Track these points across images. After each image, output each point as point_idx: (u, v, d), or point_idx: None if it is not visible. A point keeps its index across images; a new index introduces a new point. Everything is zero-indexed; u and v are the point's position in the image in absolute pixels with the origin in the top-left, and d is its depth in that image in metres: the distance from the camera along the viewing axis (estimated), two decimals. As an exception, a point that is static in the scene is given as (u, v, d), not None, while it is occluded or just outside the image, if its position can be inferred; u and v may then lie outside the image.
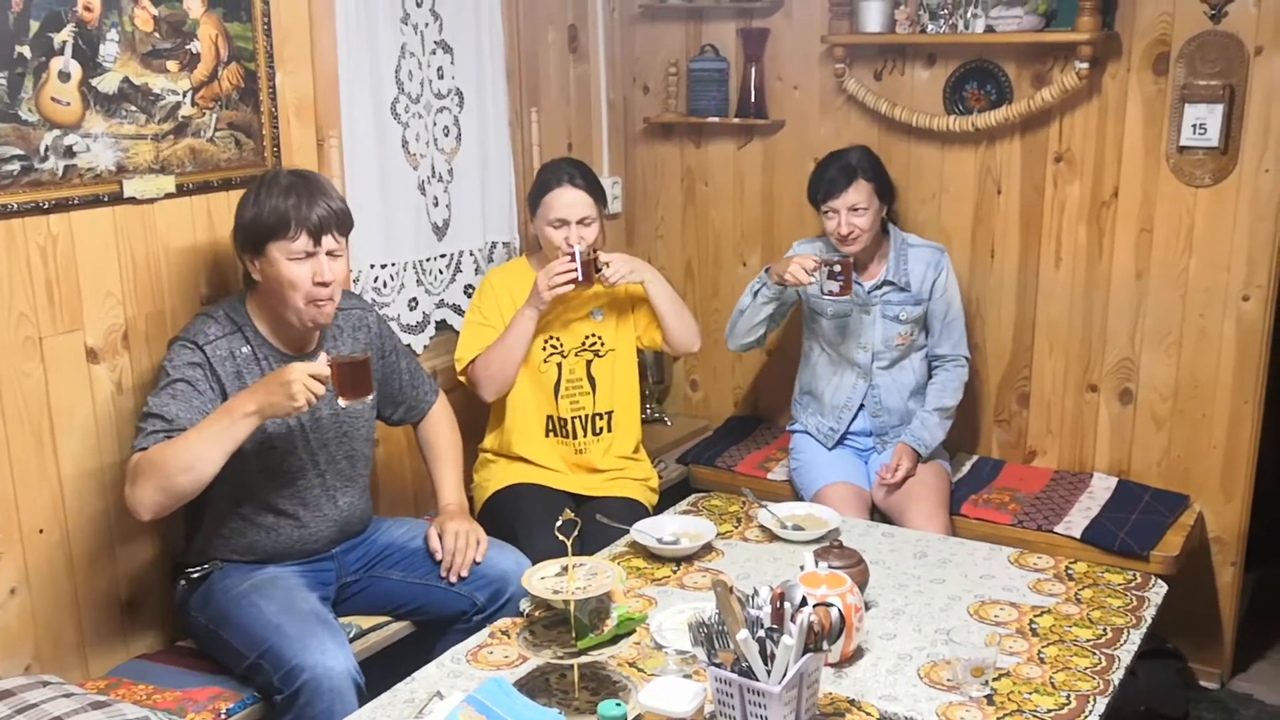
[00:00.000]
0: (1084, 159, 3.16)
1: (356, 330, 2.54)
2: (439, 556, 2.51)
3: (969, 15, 3.15)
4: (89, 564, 2.40)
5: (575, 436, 3.03)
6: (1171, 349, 3.12)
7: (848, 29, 3.34)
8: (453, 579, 2.49)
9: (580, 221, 2.92)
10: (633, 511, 2.88)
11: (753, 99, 3.57)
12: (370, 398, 2.29)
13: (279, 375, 2.13)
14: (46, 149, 2.21)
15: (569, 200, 2.92)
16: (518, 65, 3.38)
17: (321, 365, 2.15)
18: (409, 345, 3.14)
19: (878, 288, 3.09)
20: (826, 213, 3.03)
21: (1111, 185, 3.13)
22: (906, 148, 3.37)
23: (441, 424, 2.76)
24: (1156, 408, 3.18)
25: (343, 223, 2.33)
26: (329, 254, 2.30)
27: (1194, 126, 2.96)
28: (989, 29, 3.13)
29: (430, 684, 2.04)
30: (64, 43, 2.21)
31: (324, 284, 2.29)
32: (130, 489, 2.19)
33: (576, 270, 2.83)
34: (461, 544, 2.50)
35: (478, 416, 3.09)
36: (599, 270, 2.88)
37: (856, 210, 2.99)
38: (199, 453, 2.13)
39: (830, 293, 2.92)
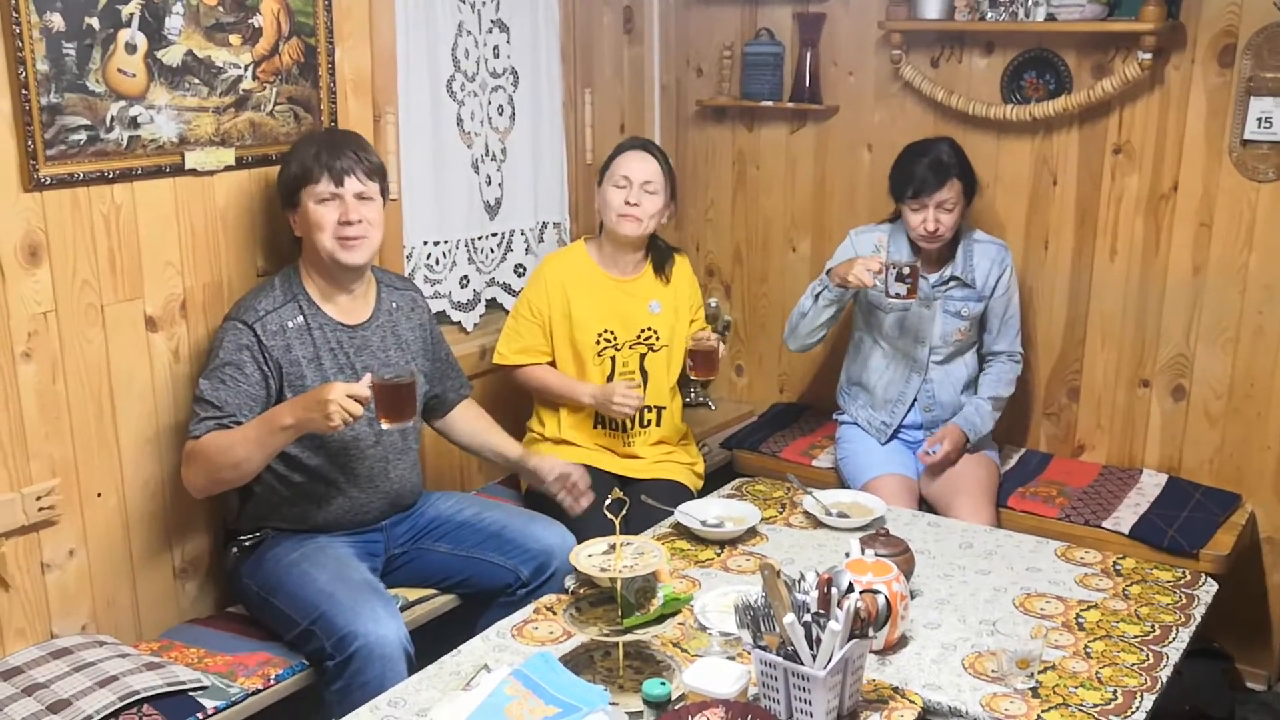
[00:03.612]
0: (1143, 151, 3.11)
1: (411, 311, 2.58)
2: (563, 492, 2.67)
3: (1030, 3, 3.11)
4: (144, 529, 2.44)
5: (624, 430, 3.03)
6: (1228, 346, 3.08)
7: (905, 15, 3.32)
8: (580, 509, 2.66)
9: (644, 185, 2.90)
10: (677, 494, 2.88)
11: (807, 84, 3.55)
12: (411, 422, 2.31)
13: (318, 394, 2.16)
14: (112, 119, 2.25)
15: (640, 163, 2.91)
16: (572, 46, 3.38)
17: (362, 387, 2.18)
18: (459, 323, 3.18)
19: (943, 283, 3.06)
20: (914, 209, 2.96)
21: (1171, 179, 3.09)
22: (962, 136, 3.30)
23: (474, 411, 2.77)
24: (1210, 405, 3.13)
25: (370, 169, 2.40)
26: (356, 196, 2.36)
27: (1259, 120, 2.90)
28: (1050, 17, 3.09)
29: (476, 657, 2.06)
30: (131, 15, 2.24)
31: (348, 222, 2.34)
32: (185, 471, 2.30)
33: (639, 403, 2.92)
34: (582, 482, 2.65)
35: (524, 395, 3.11)
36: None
37: (944, 207, 2.94)
38: (243, 454, 2.22)
39: (897, 295, 2.85)
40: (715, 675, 1.84)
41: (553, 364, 3.02)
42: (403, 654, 2.19)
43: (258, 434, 2.22)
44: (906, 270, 2.83)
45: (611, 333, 2.99)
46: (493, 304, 3.29)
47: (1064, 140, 3.22)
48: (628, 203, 2.88)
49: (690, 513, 2.61)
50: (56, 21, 2.12)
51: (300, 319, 2.38)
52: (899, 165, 3.03)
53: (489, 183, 3.20)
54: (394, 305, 2.54)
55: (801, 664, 1.77)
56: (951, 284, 3.07)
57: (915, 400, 3.14)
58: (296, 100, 2.59)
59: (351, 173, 2.36)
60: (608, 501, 1.97)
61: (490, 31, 3.12)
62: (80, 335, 2.27)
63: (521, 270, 3.32)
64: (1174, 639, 2.13)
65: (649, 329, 3.03)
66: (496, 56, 3.15)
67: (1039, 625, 2.13)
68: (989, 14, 3.19)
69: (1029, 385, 3.39)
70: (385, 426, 2.26)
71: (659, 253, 3.07)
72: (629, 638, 1.92)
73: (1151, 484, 3.15)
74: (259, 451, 2.23)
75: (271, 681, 2.22)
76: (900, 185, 3.00)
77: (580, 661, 2.02)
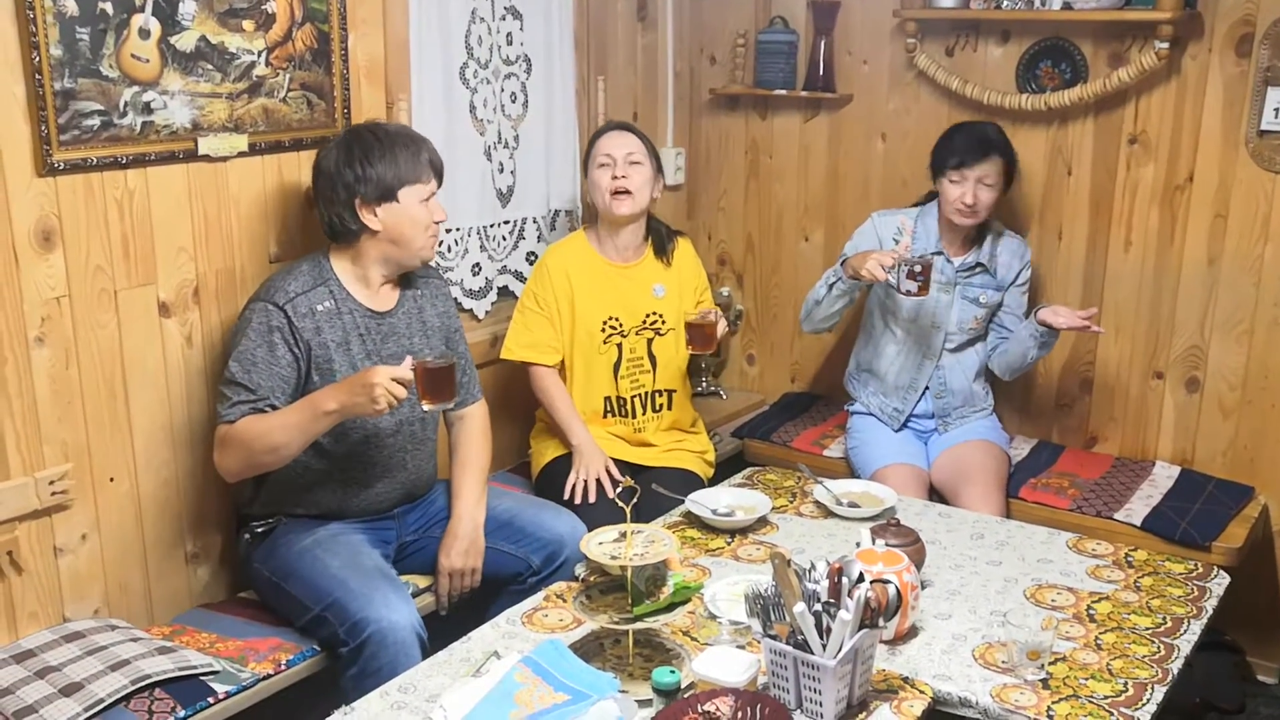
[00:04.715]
0: (1159, 141, 3.09)
1: (436, 298, 2.59)
2: (443, 600, 2.52)
3: (1046, -9, 3.10)
4: (156, 513, 2.45)
5: (634, 416, 3.03)
6: (1242, 338, 3.06)
7: (921, 3, 3.30)
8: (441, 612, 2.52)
9: (627, 158, 2.91)
10: (688, 482, 2.88)
11: (821, 72, 3.53)
12: (452, 403, 2.34)
13: (362, 377, 2.17)
14: (125, 105, 2.25)
15: (618, 139, 2.93)
16: (586, 33, 3.37)
17: (405, 370, 2.19)
18: (471, 310, 3.17)
19: (968, 269, 3.06)
20: (954, 180, 2.96)
21: (1187, 169, 3.07)
22: (976, 126, 3.31)
23: (475, 429, 2.67)
24: (1224, 397, 3.12)
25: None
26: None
27: (1276, 110, 2.88)
28: (1066, 6, 3.07)
29: (486, 644, 2.06)
30: (144, 0, 2.24)
31: (438, 221, 2.43)
32: (218, 456, 2.30)
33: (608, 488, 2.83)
34: (457, 586, 2.52)
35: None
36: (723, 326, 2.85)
37: (985, 182, 2.94)
38: (282, 439, 2.23)
39: (908, 292, 2.83)
40: (725, 664, 1.84)
41: (563, 364, 3.02)
42: (416, 639, 2.19)
43: (299, 419, 2.23)
44: (919, 268, 2.80)
45: (617, 319, 2.99)
46: (504, 292, 3.28)
47: (1079, 130, 3.20)
48: (615, 178, 2.89)
49: (701, 501, 2.61)
50: (70, 6, 2.12)
51: (330, 303, 2.39)
52: (943, 140, 3.03)
53: (501, 170, 3.19)
54: (419, 292, 2.55)
55: (811, 653, 1.78)
56: (976, 270, 3.06)
57: (927, 387, 3.13)
58: (309, 87, 2.59)
59: (442, 173, 2.46)
60: (619, 489, 1.98)
61: (503, 18, 3.11)
62: (93, 320, 2.27)
63: (533, 258, 3.31)
64: (1185, 631, 2.12)
65: (654, 313, 3.02)
66: (509, 43, 3.14)
67: (1050, 616, 2.12)
68: (1005, 2, 3.17)
69: (1042, 376, 3.38)
70: (426, 408, 2.28)
71: (659, 236, 3.07)
72: (639, 626, 1.92)
73: (1164, 476, 3.14)
74: (300, 436, 2.24)
75: (282, 666, 2.23)
76: (942, 157, 2.99)
77: (590, 649, 2.03)
